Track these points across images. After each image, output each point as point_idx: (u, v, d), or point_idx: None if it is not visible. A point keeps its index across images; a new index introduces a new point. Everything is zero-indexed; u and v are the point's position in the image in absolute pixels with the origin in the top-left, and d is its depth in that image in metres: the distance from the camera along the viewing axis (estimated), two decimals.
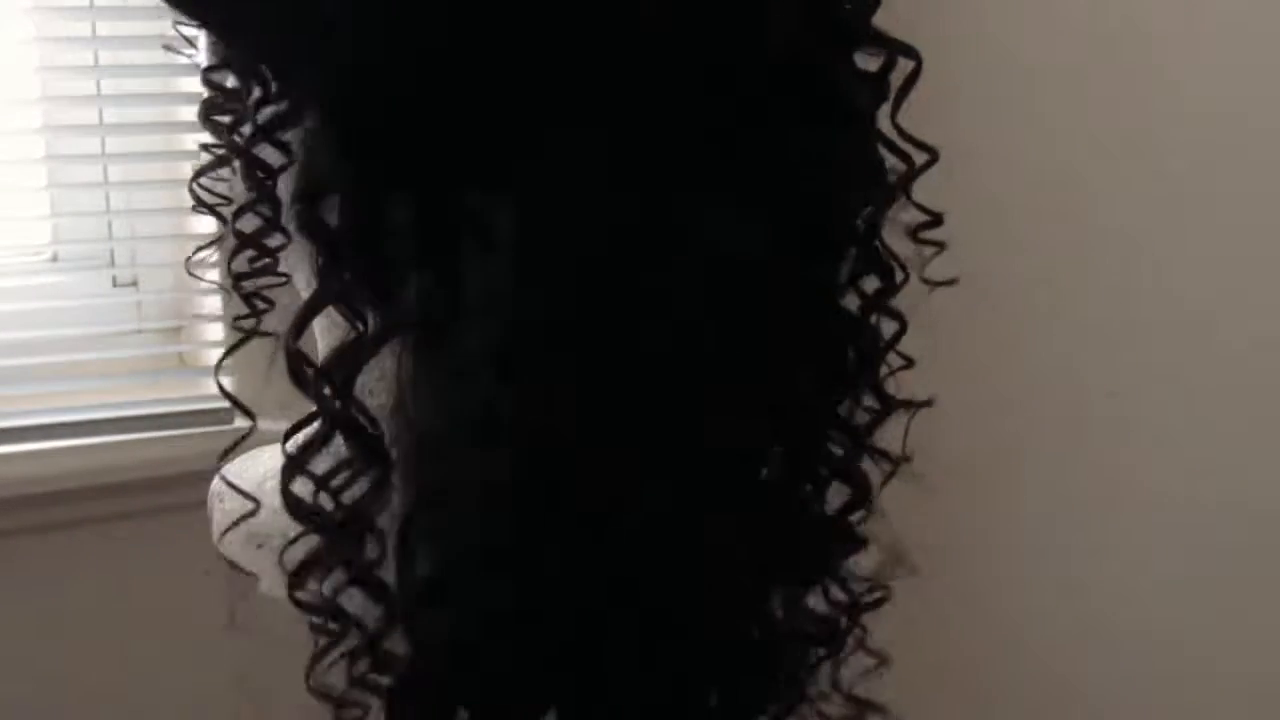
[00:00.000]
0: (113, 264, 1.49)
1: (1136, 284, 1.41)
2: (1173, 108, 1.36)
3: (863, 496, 0.58)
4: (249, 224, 0.57)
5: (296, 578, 0.54)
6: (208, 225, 0.69)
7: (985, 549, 1.57)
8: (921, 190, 0.58)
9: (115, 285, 1.50)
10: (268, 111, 0.53)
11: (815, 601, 0.58)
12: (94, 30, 1.45)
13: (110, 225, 1.48)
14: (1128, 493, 1.44)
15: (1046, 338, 1.46)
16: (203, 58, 0.59)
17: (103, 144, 1.46)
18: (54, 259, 1.48)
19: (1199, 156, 1.35)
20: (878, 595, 0.60)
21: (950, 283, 0.58)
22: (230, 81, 0.57)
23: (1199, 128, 1.35)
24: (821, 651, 0.58)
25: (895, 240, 0.57)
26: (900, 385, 0.59)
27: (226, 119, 0.57)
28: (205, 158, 0.62)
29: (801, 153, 0.52)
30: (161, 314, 1.50)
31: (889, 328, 0.60)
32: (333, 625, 0.54)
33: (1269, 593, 1.34)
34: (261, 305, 0.62)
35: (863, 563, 0.59)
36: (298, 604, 0.54)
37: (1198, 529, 1.38)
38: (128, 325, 1.47)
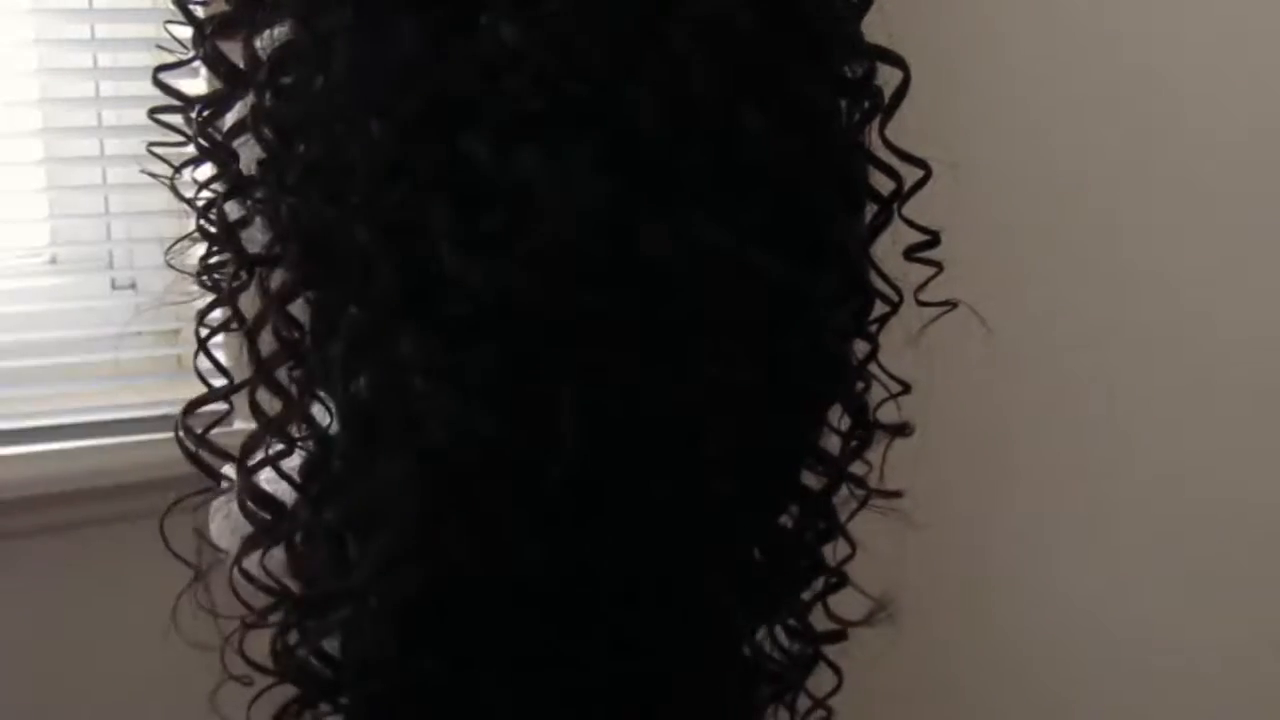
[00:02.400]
0: (111, 266, 1.50)
1: (1135, 286, 1.41)
2: (1171, 109, 1.36)
3: (830, 528, 0.55)
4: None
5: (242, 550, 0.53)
6: None
7: (982, 552, 1.57)
8: (916, 203, 0.56)
9: (114, 288, 1.51)
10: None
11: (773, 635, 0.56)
12: (93, 33, 1.45)
13: (109, 228, 1.48)
14: (1127, 495, 1.44)
15: (1045, 339, 1.46)
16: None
17: (101, 146, 1.46)
18: (53, 261, 1.48)
19: (1198, 158, 1.35)
20: (833, 630, 0.57)
21: (948, 306, 0.55)
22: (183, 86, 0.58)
23: (1198, 130, 1.35)
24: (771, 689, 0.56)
25: (892, 261, 0.55)
26: (898, 404, 0.57)
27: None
28: (183, 156, 0.62)
29: (762, 159, 0.48)
30: (160, 316, 1.50)
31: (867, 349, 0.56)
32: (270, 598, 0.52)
33: (1269, 593, 1.34)
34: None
35: (849, 611, 0.57)
36: (244, 575, 0.53)
37: (1197, 530, 1.38)
38: (126, 327, 1.47)
